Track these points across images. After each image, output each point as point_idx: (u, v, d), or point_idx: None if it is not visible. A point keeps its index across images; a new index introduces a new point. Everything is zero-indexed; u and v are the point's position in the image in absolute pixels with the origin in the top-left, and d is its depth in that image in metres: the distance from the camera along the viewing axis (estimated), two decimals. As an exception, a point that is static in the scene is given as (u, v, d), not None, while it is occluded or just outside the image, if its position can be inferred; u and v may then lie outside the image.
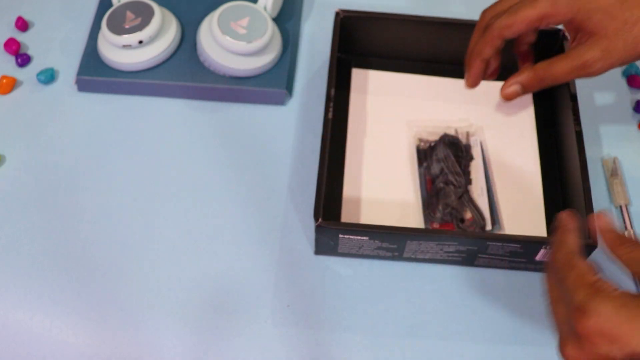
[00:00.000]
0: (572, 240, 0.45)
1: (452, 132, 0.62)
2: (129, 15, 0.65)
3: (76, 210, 0.60)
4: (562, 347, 0.41)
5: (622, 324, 0.38)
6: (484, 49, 0.56)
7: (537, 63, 0.56)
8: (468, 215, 0.58)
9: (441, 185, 0.59)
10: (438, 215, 0.57)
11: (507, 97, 0.57)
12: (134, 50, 0.65)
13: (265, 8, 0.66)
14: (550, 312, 0.44)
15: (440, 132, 0.62)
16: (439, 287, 0.57)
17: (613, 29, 0.51)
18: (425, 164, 0.61)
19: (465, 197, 0.58)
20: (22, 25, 0.70)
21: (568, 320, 0.41)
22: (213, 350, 0.54)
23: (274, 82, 0.66)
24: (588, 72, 0.53)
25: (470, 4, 0.73)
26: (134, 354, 0.54)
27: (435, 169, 0.60)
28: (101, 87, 0.66)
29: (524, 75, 0.56)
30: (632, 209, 0.60)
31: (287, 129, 0.65)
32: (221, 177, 0.62)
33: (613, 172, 0.61)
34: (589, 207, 0.54)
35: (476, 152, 0.61)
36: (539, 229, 0.58)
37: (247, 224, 0.60)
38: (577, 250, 0.44)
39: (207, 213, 0.60)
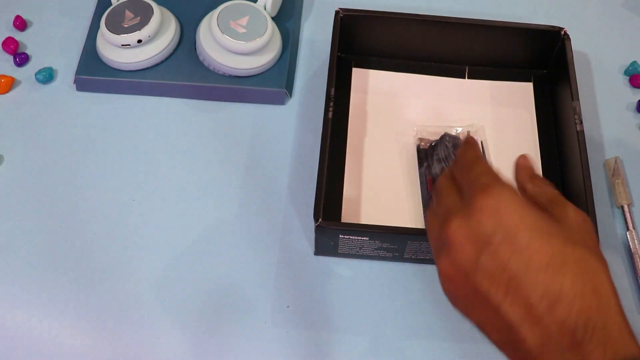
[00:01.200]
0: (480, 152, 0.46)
1: (453, 132, 0.62)
2: (128, 14, 0.65)
3: (75, 210, 0.60)
4: (447, 222, 0.41)
5: (514, 210, 0.39)
6: None
7: None
8: None
9: None
10: None
11: None
12: (133, 49, 0.65)
13: (264, 7, 0.66)
14: (440, 193, 0.44)
15: (441, 132, 0.61)
16: (439, 288, 0.56)
17: None
18: (426, 164, 0.60)
19: None
20: (21, 24, 0.70)
21: (461, 201, 0.42)
22: (213, 350, 0.54)
23: (273, 82, 0.65)
24: None
25: (462, 5, 0.73)
26: (133, 354, 0.54)
27: (437, 169, 0.59)
28: (100, 86, 0.66)
29: None
30: (634, 209, 0.60)
31: (287, 129, 0.65)
32: (220, 177, 0.62)
33: (615, 172, 0.61)
34: (590, 206, 0.53)
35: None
36: None
37: (247, 224, 0.59)
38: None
39: (207, 213, 0.60)
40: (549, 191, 0.43)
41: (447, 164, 0.59)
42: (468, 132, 0.62)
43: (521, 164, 0.46)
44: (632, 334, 0.38)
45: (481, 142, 0.62)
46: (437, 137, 0.61)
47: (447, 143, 0.61)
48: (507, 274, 0.38)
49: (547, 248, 0.38)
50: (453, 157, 0.59)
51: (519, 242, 0.38)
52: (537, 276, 0.38)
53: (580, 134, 0.57)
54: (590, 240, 0.40)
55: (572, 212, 0.41)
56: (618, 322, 0.38)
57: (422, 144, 0.62)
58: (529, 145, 0.62)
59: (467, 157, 0.44)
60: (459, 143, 0.61)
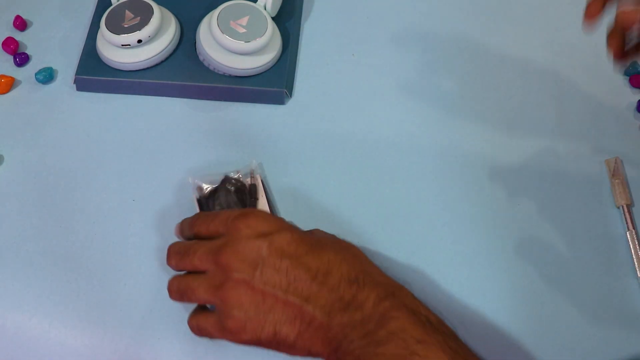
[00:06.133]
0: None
1: (234, 175, 0.59)
2: (128, 14, 0.65)
3: (75, 210, 0.60)
4: (218, 256, 0.50)
5: (265, 220, 0.51)
6: None
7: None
8: None
9: None
10: None
11: (631, 20, 0.52)
12: (133, 49, 0.65)
13: (264, 7, 0.66)
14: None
15: (221, 178, 0.59)
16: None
17: None
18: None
19: None
20: (21, 24, 0.70)
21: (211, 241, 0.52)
22: (212, 350, 0.54)
23: (273, 82, 0.65)
24: None
25: (462, 5, 0.73)
26: (133, 355, 0.54)
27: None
28: (100, 86, 0.66)
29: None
30: (634, 209, 0.60)
31: (287, 129, 0.65)
32: (220, 177, 0.62)
33: (615, 172, 0.61)
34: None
35: (260, 191, 0.59)
36: None
37: (247, 224, 0.59)
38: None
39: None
40: None
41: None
42: (252, 171, 0.59)
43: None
44: (390, 278, 0.50)
45: (262, 180, 0.60)
46: (218, 183, 0.59)
47: (228, 187, 0.57)
48: (284, 271, 0.47)
49: (307, 242, 0.50)
50: (234, 199, 0.57)
51: (279, 244, 0.49)
52: (306, 261, 0.48)
53: None
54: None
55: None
56: (378, 272, 0.50)
57: (202, 192, 0.58)
58: None
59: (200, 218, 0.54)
60: (242, 187, 0.58)
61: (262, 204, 0.58)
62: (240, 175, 0.59)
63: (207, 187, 0.58)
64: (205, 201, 0.58)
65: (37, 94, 0.67)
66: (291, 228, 0.51)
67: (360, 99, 0.66)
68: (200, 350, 0.54)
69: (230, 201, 0.57)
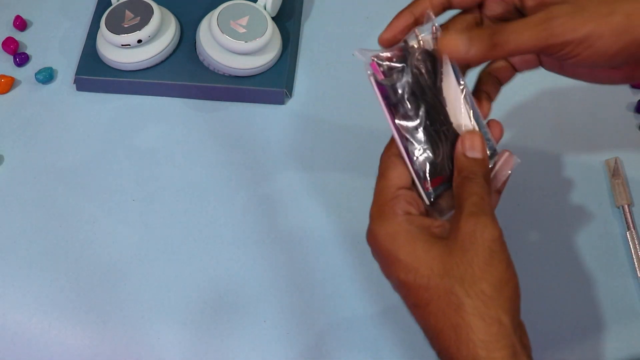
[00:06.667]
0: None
1: (413, 41, 0.42)
2: (128, 14, 0.65)
3: (75, 210, 0.60)
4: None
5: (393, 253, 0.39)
6: (418, 3, 0.44)
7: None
8: None
9: (422, 133, 0.41)
10: (426, 171, 0.41)
11: (449, 50, 0.40)
12: (133, 49, 0.65)
13: (264, 7, 0.66)
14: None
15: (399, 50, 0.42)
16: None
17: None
18: (402, 108, 0.41)
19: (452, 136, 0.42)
20: (21, 24, 0.70)
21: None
22: (212, 350, 0.54)
23: (273, 82, 0.65)
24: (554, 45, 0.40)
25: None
26: (133, 355, 0.54)
27: (412, 114, 0.41)
28: (100, 86, 0.66)
29: (476, 30, 0.42)
30: (634, 209, 0.60)
31: (287, 129, 0.65)
32: (220, 177, 0.62)
33: (615, 173, 0.61)
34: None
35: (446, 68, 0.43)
36: None
37: (247, 223, 0.59)
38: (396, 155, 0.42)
39: (206, 213, 0.60)
40: (465, 193, 0.40)
41: (433, 87, 0.42)
42: (434, 28, 0.42)
43: (465, 147, 0.42)
44: None
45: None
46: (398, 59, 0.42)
47: (418, 56, 0.42)
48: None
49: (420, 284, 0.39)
50: (431, 72, 0.42)
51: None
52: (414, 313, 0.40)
53: None
54: (473, 250, 0.38)
55: (462, 223, 0.39)
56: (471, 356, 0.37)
57: (382, 70, 0.41)
58: None
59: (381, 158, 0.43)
60: (426, 59, 0.42)
61: (451, 84, 0.43)
62: (422, 39, 0.42)
63: (385, 65, 0.42)
64: (393, 90, 0.41)
65: (37, 94, 0.67)
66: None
67: (360, 99, 0.66)
68: (200, 350, 0.54)
69: (425, 87, 0.41)
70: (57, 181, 0.62)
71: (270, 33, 0.64)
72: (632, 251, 0.57)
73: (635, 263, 0.57)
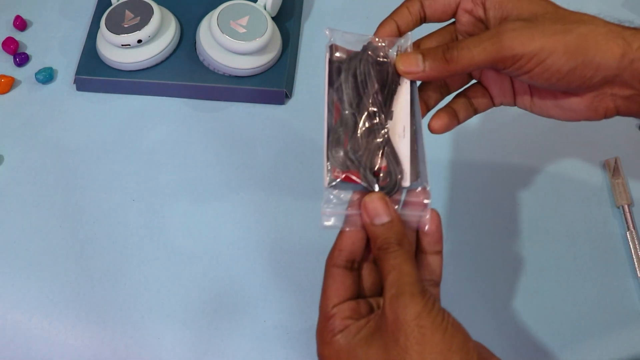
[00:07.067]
0: (344, 245, 0.40)
1: (378, 43, 0.45)
2: (128, 14, 0.65)
3: (75, 210, 0.60)
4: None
5: None
6: (398, 12, 0.45)
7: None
8: (383, 163, 0.42)
9: (350, 115, 0.42)
10: (340, 156, 0.41)
11: (405, 71, 0.43)
12: (132, 49, 0.64)
13: (264, 7, 0.66)
14: None
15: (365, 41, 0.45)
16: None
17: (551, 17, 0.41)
18: (337, 84, 0.43)
19: (386, 139, 0.42)
20: (21, 24, 0.70)
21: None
22: (212, 350, 0.54)
23: (273, 82, 0.65)
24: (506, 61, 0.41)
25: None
26: (133, 354, 0.54)
27: (349, 91, 0.43)
28: (100, 86, 0.66)
29: (427, 49, 0.43)
30: (634, 209, 0.60)
31: (287, 129, 0.65)
32: (220, 177, 0.62)
33: (615, 172, 0.61)
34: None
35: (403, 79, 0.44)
36: None
37: (247, 223, 0.59)
38: (341, 262, 0.40)
39: (206, 213, 0.60)
40: (384, 270, 0.39)
41: (365, 88, 0.43)
42: (398, 48, 0.45)
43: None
44: None
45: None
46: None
47: (369, 55, 0.44)
48: None
49: None
50: (373, 78, 0.43)
51: None
52: None
53: None
54: (404, 335, 0.37)
55: (386, 309, 0.37)
56: None
57: (337, 55, 0.45)
58: None
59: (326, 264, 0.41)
60: (385, 62, 0.44)
61: (403, 99, 0.44)
62: (386, 46, 0.45)
63: (343, 50, 0.45)
64: (337, 68, 0.44)
65: (37, 94, 0.67)
66: None
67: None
68: (200, 350, 0.54)
69: (366, 73, 0.43)
70: (57, 181, 0.61)
71: (270, 33, 0.64)
72: (632, 251, 0.58)
73: (635, 263, 0.57)
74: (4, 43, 0.68)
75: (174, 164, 0.62)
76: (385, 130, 0.42)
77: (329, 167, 0.41)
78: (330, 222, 0.41)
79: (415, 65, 0.42)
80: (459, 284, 0.57)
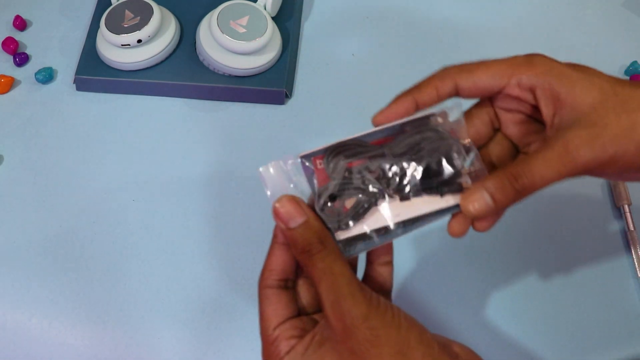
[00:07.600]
0: (274, 264, 0.39)
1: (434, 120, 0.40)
2: (128, 14, 0.65)
3: (75, 210, 0.60)
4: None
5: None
6: (423, 89, 0.41)
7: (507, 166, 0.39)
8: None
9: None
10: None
11: (476, 215, 0.39)
12: (132, 49, 0.64)
13: (264, 7, 0.66)
14: None
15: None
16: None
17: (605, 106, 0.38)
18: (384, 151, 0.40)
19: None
20: (20, 24, 0.70)
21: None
22: (212, 350, 0.54)
23: (273, 82, 0.65)
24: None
25: (463, 5, 0.73)
26: (133, 354, 0.54)
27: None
28: (100, 86, 0.66)
29: (493, 181, 0.38)
30: (634, 209, 0.60)
31: (287, 129, 0.65)
32: (220, 177, 0.62)
33: (615, 172, 0.61)
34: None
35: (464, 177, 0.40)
36: None
37: (247, 223, 0.59)
38: (273, 283, 0.38)
39: (207, 212, 0.60)
40: (315, 277, 0.36)
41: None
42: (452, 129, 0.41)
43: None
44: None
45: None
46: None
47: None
48: None
49: None
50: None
51: None
52: None
53: None
54: (356, 342, 0.34)
55: (331, 319, 0.35)
56: None
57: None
58: None
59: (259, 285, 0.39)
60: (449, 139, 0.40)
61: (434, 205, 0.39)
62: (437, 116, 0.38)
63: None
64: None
65: (36, 94, 0.67)
66: None
67: (360, 99, 0.66)
68: (200, 350, 0.54)
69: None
70: (57, 181, 0.61)
71: (270, 33, 0.64)
72: (632, 251, 0.58)
73: (635, 263, 0.57)
74: (3, 43, 0.68)
75: (174, 164, 0.62)
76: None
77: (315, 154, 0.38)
78: (267, 182, 0.39)
79: (485, 205, 0.38)
80: (458, 284, 0.57)
